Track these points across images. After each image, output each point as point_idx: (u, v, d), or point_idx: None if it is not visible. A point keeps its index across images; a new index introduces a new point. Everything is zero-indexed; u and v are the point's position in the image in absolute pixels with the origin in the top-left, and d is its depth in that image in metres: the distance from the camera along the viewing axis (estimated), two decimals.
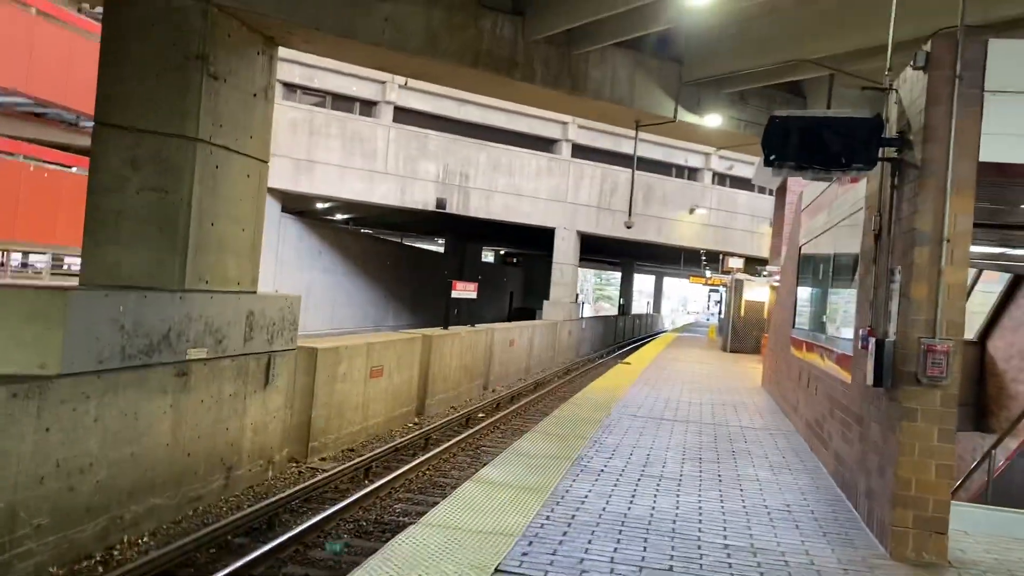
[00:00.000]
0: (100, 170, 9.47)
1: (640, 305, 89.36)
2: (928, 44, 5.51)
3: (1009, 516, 6.77)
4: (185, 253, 9.84)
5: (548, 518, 5.77)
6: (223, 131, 10.30)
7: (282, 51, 24.40)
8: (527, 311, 46.13)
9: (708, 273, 43.82)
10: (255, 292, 11.38)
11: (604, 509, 6.15)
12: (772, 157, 6.12)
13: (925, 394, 5.43)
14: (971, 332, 16.87)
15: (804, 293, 11.54)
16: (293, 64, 25.90)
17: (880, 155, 6.19)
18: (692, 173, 36.71)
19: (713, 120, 14.41)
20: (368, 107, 27.89)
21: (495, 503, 6.01)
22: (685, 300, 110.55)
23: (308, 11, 10.41)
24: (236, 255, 10.86)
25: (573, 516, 5.88)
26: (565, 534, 5.46)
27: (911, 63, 5.69)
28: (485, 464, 8.11)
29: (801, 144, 6.05)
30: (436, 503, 6.34)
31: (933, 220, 5.45)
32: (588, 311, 78.64)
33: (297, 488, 10.88)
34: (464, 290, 22.11)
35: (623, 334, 50.29)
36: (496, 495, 6.25)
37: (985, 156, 5.41)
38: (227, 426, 10.82)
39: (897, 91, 6.33)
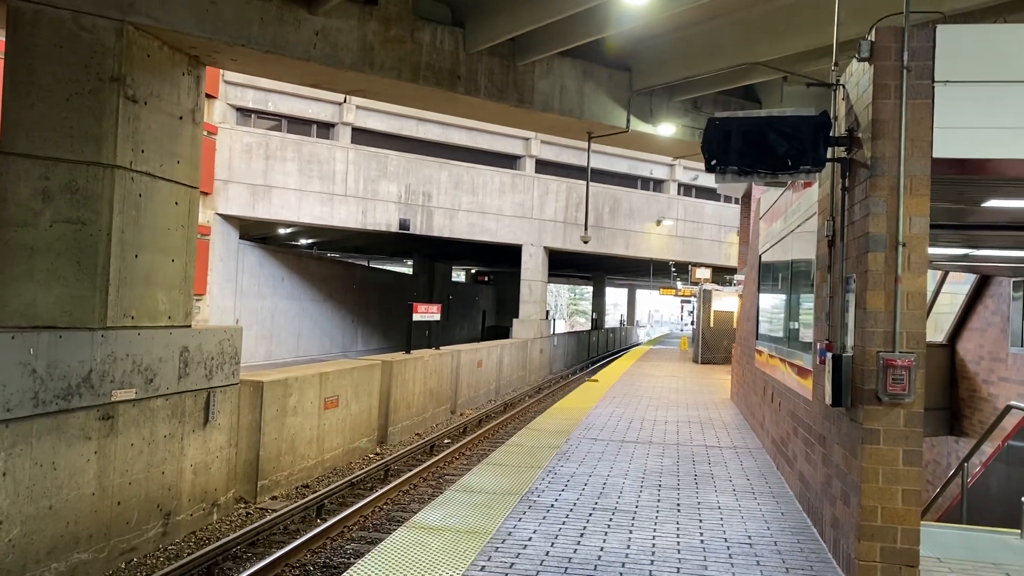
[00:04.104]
0: (8, 203, 8.81)
1: (615, 318, 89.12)
2: (872, 33, 5.08)
3: (984, 537, 6.32)
4: (106, 289, 9.20)
5: (483, 569, 5.21)
6: (145, 157, 9.69)
7: (235, 76, 24.19)
8: (500, 329, 45.62)
9: (679, 284, 43.54)
10: (189, 326, 10.74)
11: (547, 553, 5.60)
12: (713, 162, 5.66)
13: (887, 413, 4.96)
14: (940, 334, 16.60)
15: (765, 302, 11.11)
16: (246, 88, 25.32)
17: (831, 156, 5.77)
18: (658, 185, 36.47)
19: (666, 129, 14.01)
20: (325, 129, 27.33)
21: (426, 554, 5.44)
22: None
23: (233, 27, 9.86)
24: (166, 288, 10.22)
25: (511, 564, 5.32)
26: None
27: (855, 55, 5.25)
28: (425, 504, 7.53)
29: (744, 147, 5.59)
30: (359, 552, 5.74)
31: (887, 223, 5.00)
32: (562, 327, 78.17)
33: (241, 532, 10.21)
34: (427, 312, 21.53)
35: (597, 349, 49.86)
36: (429, 543, 5.68)
37: (939, 152, 4.97)
38: (163, 470, 10.15)
39: (844, 87, 5.91)
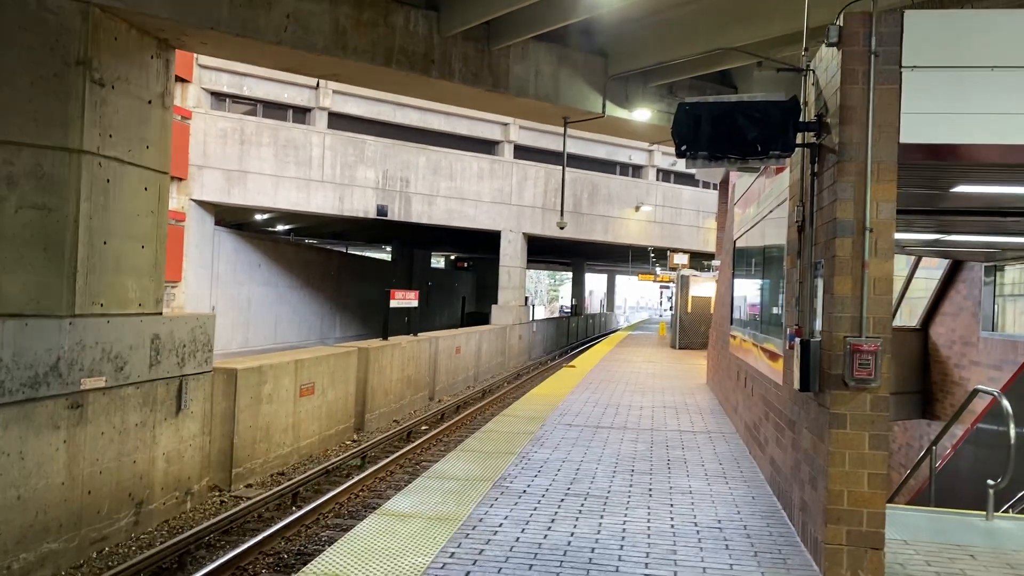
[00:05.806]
0: None
1: (595, 304, 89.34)
2: (840, 18, 5.07)
3: (951, 519, 6.40)
4: (74, 276, 9.06)
5: (453, 555, 5.20)
6: (114, 142, 9.54)
7: (209, 59, 23.86)
8: (480, 315, 45.56)
9: (658, 270, 43.69)
10: (160, 313, 10.62)
11: (518, 539, 5.60)
12: (683, 148, 5.64)
13: (853, 398, 4.98)
14: (914, 319, 16.77)
15: (739, 288, 11.16)
16: (221, 72, 24.99)
17: (800, 141, 5.77)
18: (636, 170, 36.49)
19: (642, 114, 13.99)
20: (301, 114, 27.06)
21: (396, 542, 5.42)
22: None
23: (202, 10, 9.70)
24: (136, 275, 10.09)
25: (481, 551, 5.32)
26: (468, 574, 4.89)
27: (824, 40, 5.24)
28: (399, 490, 7.51)
29: (714, 132, 5.57)
30: (333, 540, 5.71)
31: (854, 208, 5.01)
32: (541, 312, 78.21)
33: (215, 520, 10.16)
34: (404, 299, 21.45)
35: (576, 335, 49.99)
36: (399, 530, 5.66)
37: (907, 137, 4.98)
38: (134, 458, 10.06)
39: (814, 72, 5.90)
